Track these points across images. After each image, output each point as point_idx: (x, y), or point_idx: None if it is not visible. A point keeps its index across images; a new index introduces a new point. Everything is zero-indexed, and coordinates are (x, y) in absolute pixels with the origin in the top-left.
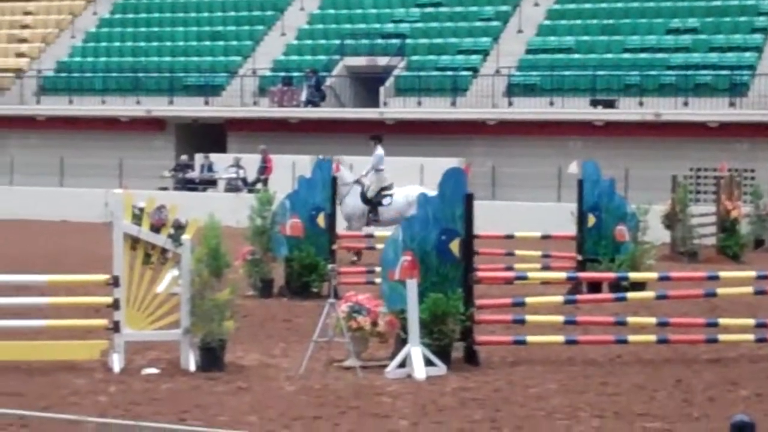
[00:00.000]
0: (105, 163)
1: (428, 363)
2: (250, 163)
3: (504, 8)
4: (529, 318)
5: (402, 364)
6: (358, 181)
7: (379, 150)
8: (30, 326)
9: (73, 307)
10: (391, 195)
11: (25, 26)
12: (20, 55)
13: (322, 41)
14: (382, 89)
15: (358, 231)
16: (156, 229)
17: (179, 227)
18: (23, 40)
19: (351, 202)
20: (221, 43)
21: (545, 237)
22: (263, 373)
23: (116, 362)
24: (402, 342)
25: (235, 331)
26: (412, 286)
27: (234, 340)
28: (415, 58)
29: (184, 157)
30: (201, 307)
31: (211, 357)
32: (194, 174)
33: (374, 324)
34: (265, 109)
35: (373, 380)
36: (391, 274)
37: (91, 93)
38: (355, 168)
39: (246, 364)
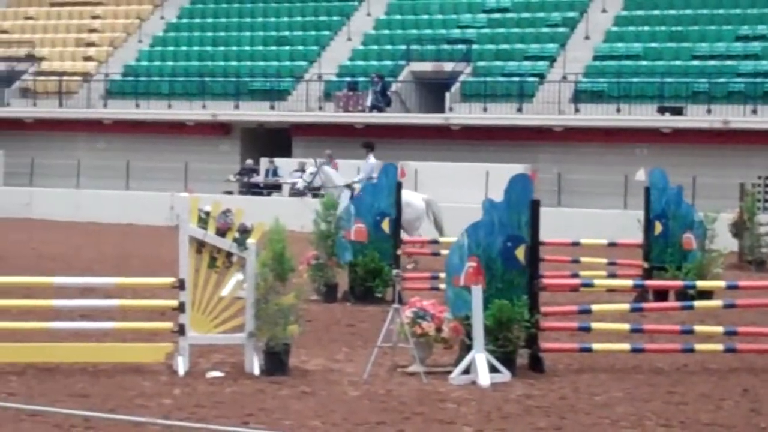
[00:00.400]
0: (171, 167)
1: (493, 370)
2: None
3: (571, 14)
4: (594, 325)
5: (466, 371)
6: (349, 186)
7: (372, 159)
8: (96, 328)
9: (139, 310)
10: None
11: (92, 30)
12: (88, 58)
13: (388, 47)
14: (447, 95)
15: None
16: (221, 233)
17: (244, 231)
18: (91, 44)
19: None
20: (287, 48)
21: (611, 244)
22: (327, 377)
23: (181, 365)
24: (466, 348)
25: (299, 336)
26: (477, 292)
27: (298, 345)
28: (481, 63)
29: (249, 162)
30: (265, 311)
31: (276, 361)
32: (259, 178)
33: (439, 330)
34: (331, 114)
35: (437, 386)
36: (456, 280)
37: (158, 97)
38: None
39: (310, 368)
